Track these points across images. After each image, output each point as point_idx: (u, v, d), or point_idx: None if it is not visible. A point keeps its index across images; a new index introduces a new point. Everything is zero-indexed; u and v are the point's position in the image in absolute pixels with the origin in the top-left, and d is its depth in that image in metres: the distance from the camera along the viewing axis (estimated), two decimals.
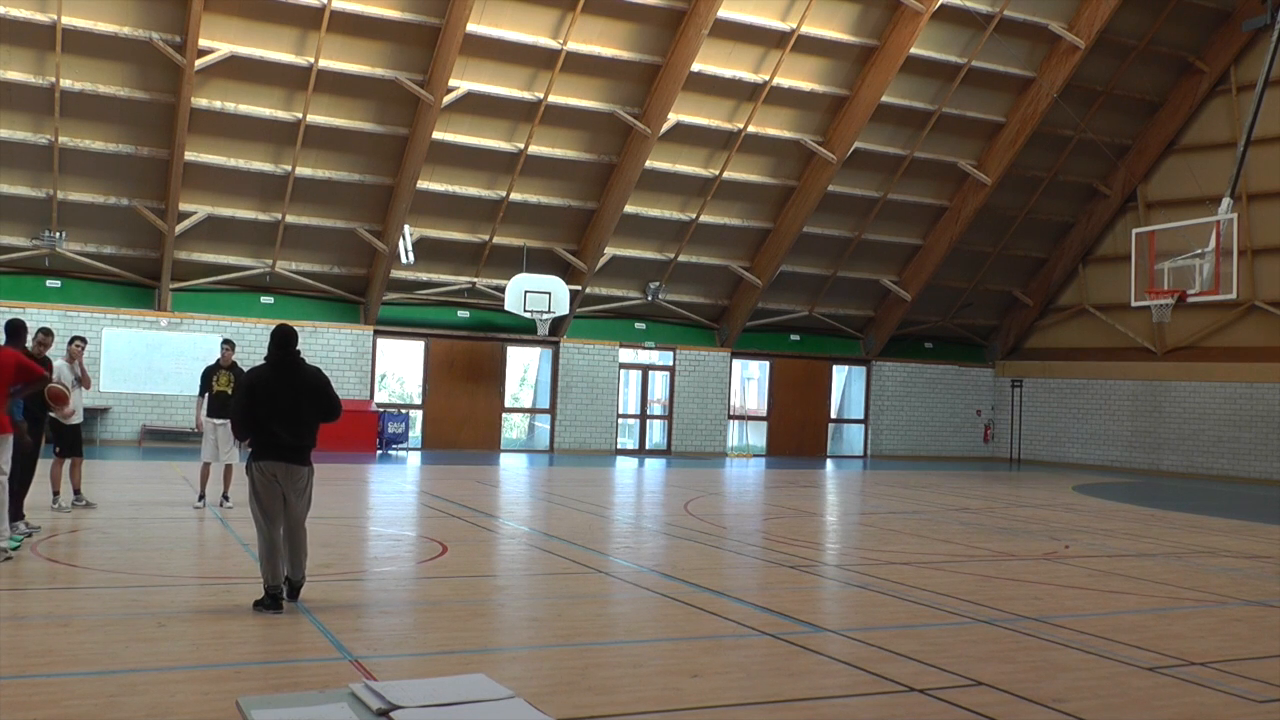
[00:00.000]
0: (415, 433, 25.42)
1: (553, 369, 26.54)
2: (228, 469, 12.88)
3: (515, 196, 23.64)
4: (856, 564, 10.63)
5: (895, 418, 30.04)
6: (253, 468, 7.59)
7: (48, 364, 10.62)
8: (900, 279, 28.22)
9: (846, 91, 24.03)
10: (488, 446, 25.86)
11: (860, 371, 30.22)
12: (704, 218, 25.25)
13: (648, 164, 23.39)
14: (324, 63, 20.64)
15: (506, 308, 24.04)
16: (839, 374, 30.38)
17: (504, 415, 26.66)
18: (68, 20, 19.10)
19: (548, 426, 26.67)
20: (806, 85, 23.69)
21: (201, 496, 12.75)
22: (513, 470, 21.32)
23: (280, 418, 7.56)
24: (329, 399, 7.79)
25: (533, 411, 28.01)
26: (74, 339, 12.24)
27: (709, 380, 27.86)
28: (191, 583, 8.46)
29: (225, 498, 12.86)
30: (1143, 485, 23.36)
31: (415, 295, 24.90)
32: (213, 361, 13.20)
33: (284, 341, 7.75)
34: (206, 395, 12.82)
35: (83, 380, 11.98)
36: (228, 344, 13.12)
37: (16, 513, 9.93)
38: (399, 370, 27.15)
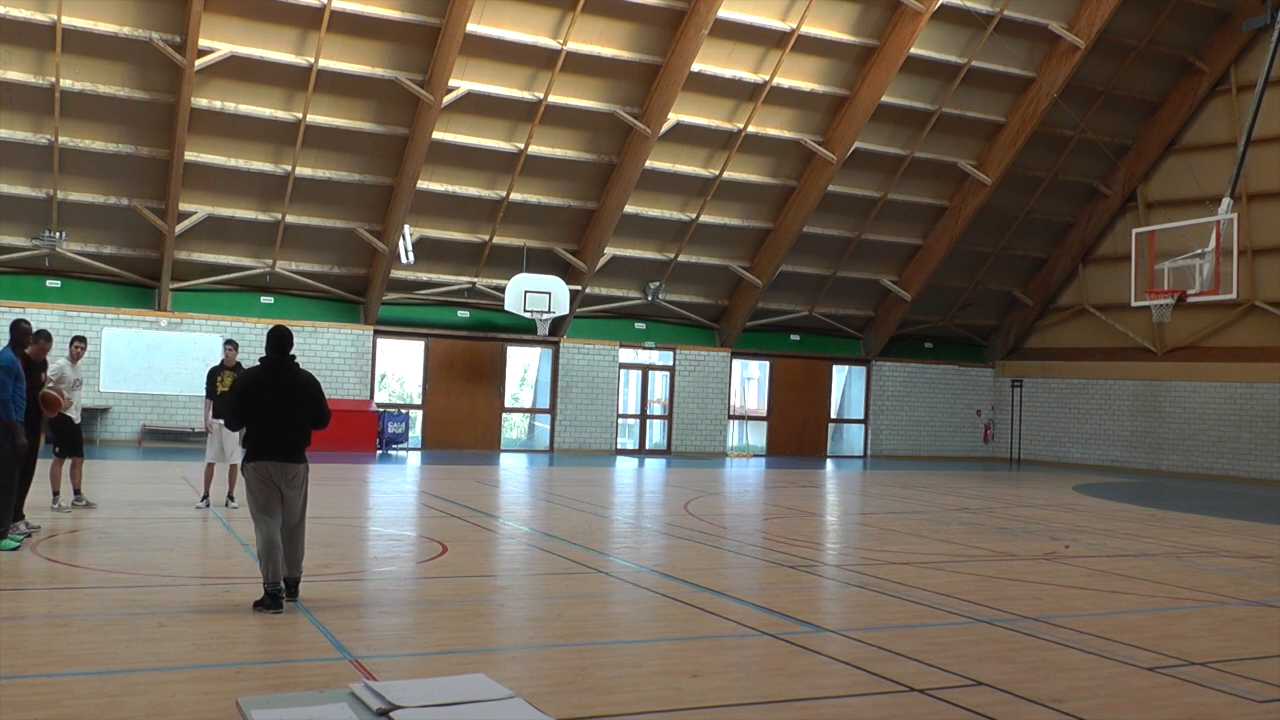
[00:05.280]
0: (415, 433, 25.42)
1: (553, 369, 26.54)
2: (233, 469, 12.85)
3: (515, 196, 23.64)
4: (856, 564, 10.63)
5: (895, 418, 30.03)
6: (248, 467, 7.65)
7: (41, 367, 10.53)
8: (900, 279, 28.22)
9: (846, 91, 24.03)
10: (488, 446, 25.86)
11: (860, 371, 30.22)
12: (704, 218, 25.24)
13: (648, 164, 23.38)
14: (324, 63, 20.63)
15: (506, 308, 24.04)
16: (839, 374, 30.38)
17: (504, 415, 26.66)
18: (68, 20, 19.10)
19: (548, 426, 26.67)
20: (806, 85, 23.68)
21: (204, 497, 12.75)
22: (513, 470, 21.31)
23: (273, 419, 7.63)
24: (319, 407, 7.86)
25: (533, 411, 28.01)
26: (75, 339, 12.25)
27: (709, 380, 27.86)
28: (191, 583, 8.46)
29: (230, 498, 12.85)
30: (1143, 485, 23.35)
31: (415, 295, 24.90)
32: (216, 363, 13.20)
33: (280, 344, 7.81)
34: (211, 397, 12.83)
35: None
36: (230, 344, 13.12)
37: (17, 513, 9.94)
38: (399, 370, 27.15)
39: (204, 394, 13.19)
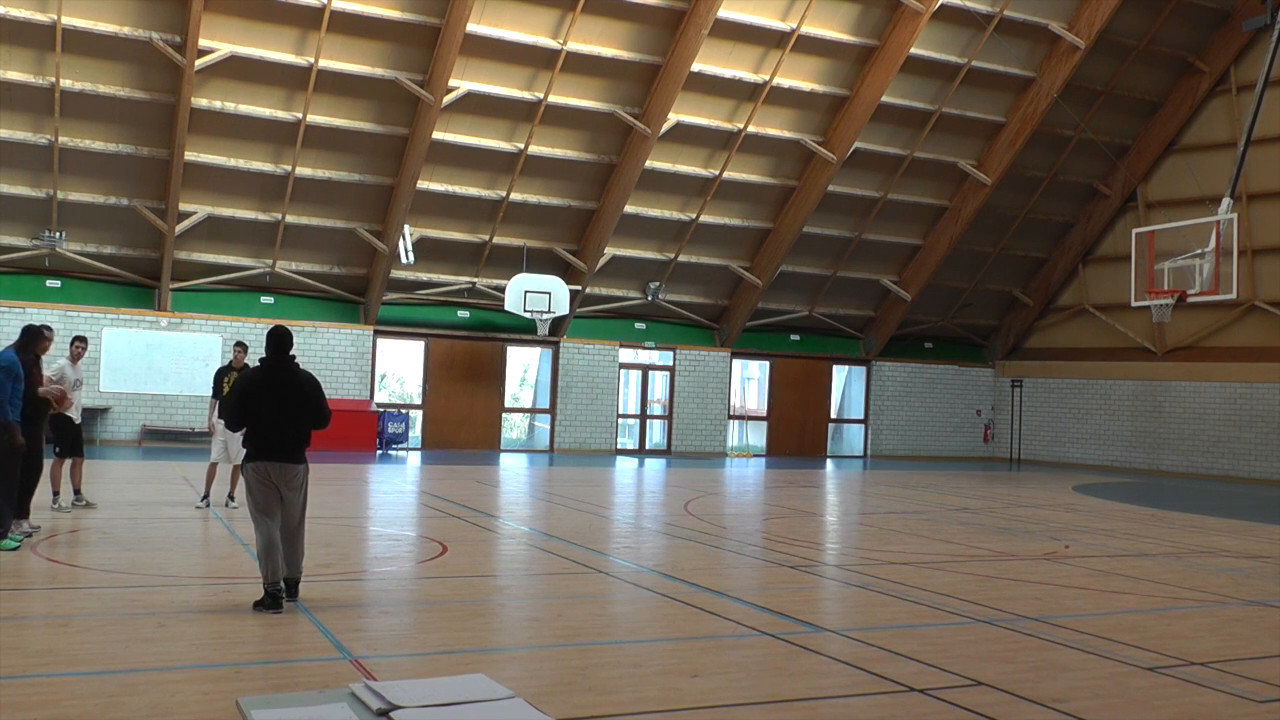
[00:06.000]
0: (415, 433, 25.42)
1: (553, 369, 26.54)
2: (235, 469, 12.83)
3: (515, 196, 23.64)
4: (856, 564, 10.63)
5: (895, 418, 30.04)
6: (247, 468, 7.65)
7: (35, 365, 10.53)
8: (900, 279, 28.22)
9: (846, 91, 24.03)
10: (488, 446, 25.86)
11: (860, 371, 30.22)
12: (704, 218, 25.24)
13: (648, 164, 23.38)
14: (324, 63, 20.63)
15: (506, 308, 24.04)
16: (839, 374, 30.38)
17: (504, 415, 26.66)
18: (68, 20, 19.10)
19: (548, 426, 26.67)
20: (806, 85, 23.69)
21: (204, 497, 12.75)
22: (513, 470, 21.31)
23: (272, 420, 7.62)
24: (319, 408, 7.85)
25: (533, 411, 28.01)
26: (75, 339, 12.25)
27: (709, 380, 27.86)
28: (191, 583, 8.45)
29: (231, 498, 12.85)
30: (1143, 485, 23.35)
31: (415, 295, 24.90)
32: (224, 363, 13.21)
33: (279, 344, 7.80)
34: (218, 398, 12.84)
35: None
36: (240, 346, 13.10)
37: (22, 512, 9.95)
38: (399, 370, 27.15)
39: (210, 394, 13.24)
